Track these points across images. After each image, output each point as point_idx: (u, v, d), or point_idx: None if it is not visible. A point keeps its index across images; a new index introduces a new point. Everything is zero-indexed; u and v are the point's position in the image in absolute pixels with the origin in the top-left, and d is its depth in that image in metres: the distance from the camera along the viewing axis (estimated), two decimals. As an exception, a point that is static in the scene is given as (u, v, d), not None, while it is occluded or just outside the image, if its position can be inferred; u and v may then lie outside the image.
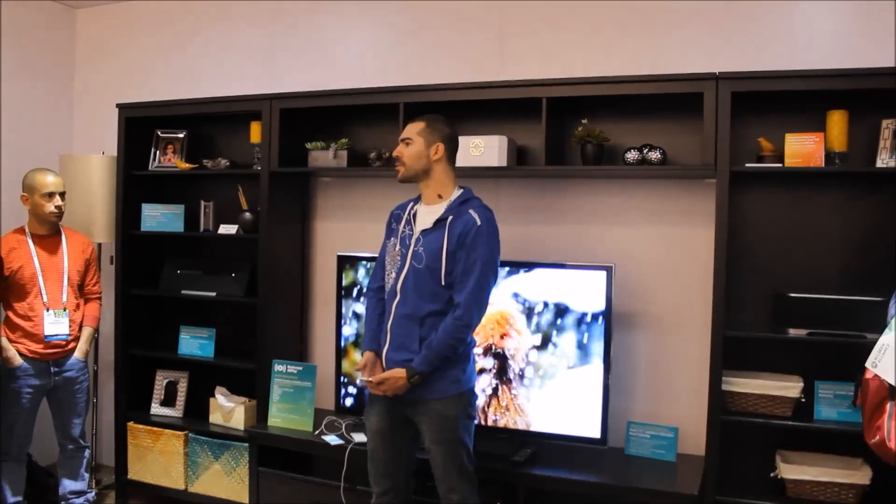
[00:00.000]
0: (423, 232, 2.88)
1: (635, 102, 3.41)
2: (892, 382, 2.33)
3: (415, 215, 2.95)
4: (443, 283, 2.82)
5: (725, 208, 3.06)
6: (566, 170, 3.53)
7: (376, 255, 3.56)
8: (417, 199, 3.02)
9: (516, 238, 3.63)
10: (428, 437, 2.86)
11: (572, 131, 3.44)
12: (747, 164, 3.14)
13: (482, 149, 3.38)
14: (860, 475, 2.95)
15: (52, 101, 4.77)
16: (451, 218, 2.85)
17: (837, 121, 3.05)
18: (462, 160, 3.39)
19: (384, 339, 2.91)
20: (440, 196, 2.93)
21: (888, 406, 2.35)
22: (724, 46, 3.36)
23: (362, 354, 2.98)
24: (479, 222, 2.82)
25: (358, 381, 3.13)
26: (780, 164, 3.09)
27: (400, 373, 2.79)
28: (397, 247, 2.93)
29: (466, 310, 2.78)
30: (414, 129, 2.93)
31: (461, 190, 2.96)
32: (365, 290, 3.10)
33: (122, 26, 4.75)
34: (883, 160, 2.98)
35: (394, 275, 2.91)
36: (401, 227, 2.96)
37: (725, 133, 3.04)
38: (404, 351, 2.83)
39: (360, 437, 3.47)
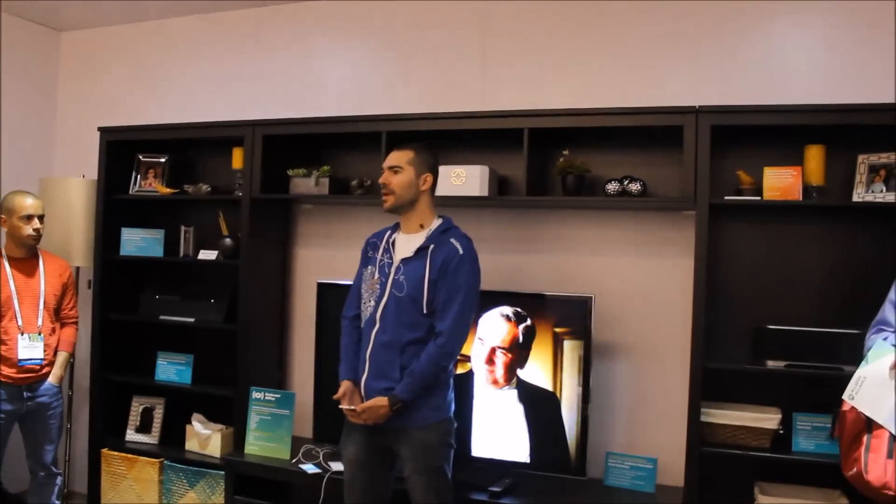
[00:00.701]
0: (404, 260, 2.87)
1: (616, 134, 3.44)
2: (869, 415, 2.34)
3: (393, 244, 2.95)
4: (424, 311, 2.82)
5: (705, 240, 3.08)
6: (547, 200, 3.55)
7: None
8: (395, 228, 3.01)
9: (497, 268, 3.64)
10: (409, 467, 2.84)
11: (554, 162, 3.46)
12: (726, 197, 3.17)
13: (463, 178, 3.39)
14: (838, 508, 2.96)
15: (34, 123, 4.75)
16: (432, 247, 2.86)
17: (815, 155, 3.09)
18: (443, 189, 3.41)
19: (362, 367, 2.89)
20: (422, 226, 2.93)
21: (865, 438, 2.35)
22: (705, 80, 3.41)
23: (340, 383, 2.95)
24: (461, 251, 2.84)
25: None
26: (758, 198, 3.12)
27: (382, 401, 2.77)
28: (376, 275, 2.92)
29: (449, 338, 2.79)
30: (403, 158, 2.92)
31: (441, 219, 2.97)
32: (341, 318, 3.07)
33: (105, 50, 4.75)
34: (859, 194, 3.02)
35: (372, 303, 2.89)
36: (379, 256, 2.95)
37: (705, 166, 3.07)
38: (384, 379, 2.81)
39: (337, 466, 3.43)
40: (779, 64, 3.33)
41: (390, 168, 2.92)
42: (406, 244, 2.92)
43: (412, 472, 2.83)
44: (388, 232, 3.01)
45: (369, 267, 2.97)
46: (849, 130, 3.08)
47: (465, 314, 2.84)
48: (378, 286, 2.89)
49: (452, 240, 2.87)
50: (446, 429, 2.89)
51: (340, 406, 2.86)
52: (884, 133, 3.02)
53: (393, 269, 2.88)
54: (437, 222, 2.95)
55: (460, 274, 2.81)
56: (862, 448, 2.35)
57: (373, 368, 2.85)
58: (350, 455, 2.93)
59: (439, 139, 3.59)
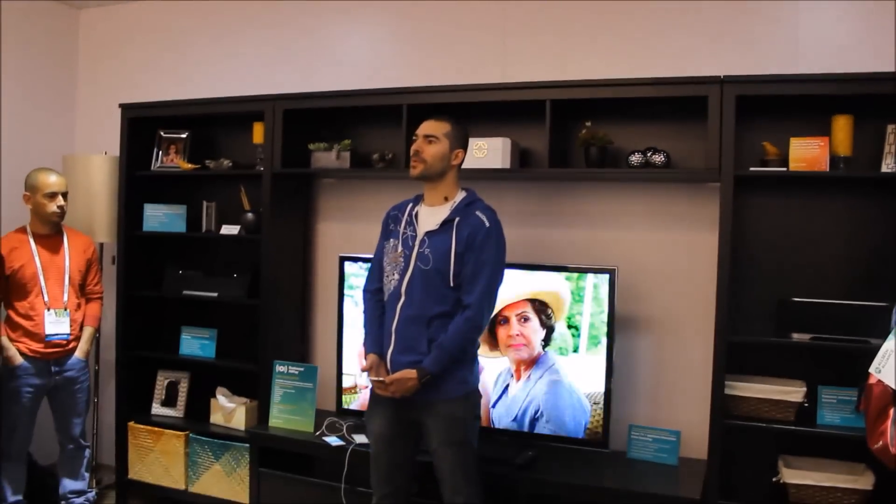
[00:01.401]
0: (429, 233, 2.86)
1: (639, 105, 3.41)
2: (896, 388, 2.33)
3: (416, 216, 2.93)
4: (451, 284, 2.81)
5: (729, 213, 3.05)
6: (569, 172, 3.52)
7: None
8: (417, 200, 3.00)
9: (519, 240, 3.62)
10: (435, 440, 2.85)
11: (576, 134, 3.43)
12: (751, 169, 3.13)
13: (485, 151, 3.38)
14: (863, 480, 2.94)
15: (55, 101, 4.77)
16: (457, 219, 2.85)
17: (842, 125, 3.04)
18: (465, 162, 3.39)
19: (388, 341, 2.89)
20: (446, 198, 2.92)
21: (891, 411, 2.34)
22: (729, 50, 3.36)
23: (366, 356, 2.96)
24: (487, 224, 2.84)
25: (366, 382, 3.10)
26: (784, 169, 3.08)
27: (410, 373, 2.77)
28: (399, 248, 2.90)
29: (478, 311, 2.80)
30: (441, 129, 2.89)
31: (465, 192, 2.96)
32: (362, 291, 3.07)
33: (125, 27, 4.74)
34: (888, 165, 2.98)
35: (396, 276, 2.88)
36: (401, 229, 2.93)
37: (730, 137, 3.03)
38: (411, 353, 2.81)
39: (360, 439, 3.46)
40: (805, 33, 3.27)
41: (426, 136, 2.88)
42: (430, 217, 2.90)
43: (439, 445, 2.84)
44: (410, 204, 2.99)
45: (391, 240, 2.96)
46: (877, 100, 3.02)
47: (493, 287, 2.84)
48: (402, 259, 2.88)
49: (478, 212, 2.87)
50: (473, 401, 2.91)
51: (369, 378, 2.87)
52: (914, 102, 2.97)
53: (417, 242, 2.87)
54: (461, 195, 2.94)
55: (487, 247, 2.81)
56: (889, 421, 2.34)
57: (399, 342, 2.85)
58: (376, 429, 2.94)
59: (460, 111, 3.57)
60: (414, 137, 2.93)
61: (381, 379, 2.82)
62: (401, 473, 2.98)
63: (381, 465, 2.95)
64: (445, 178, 2.92)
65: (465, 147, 2.96)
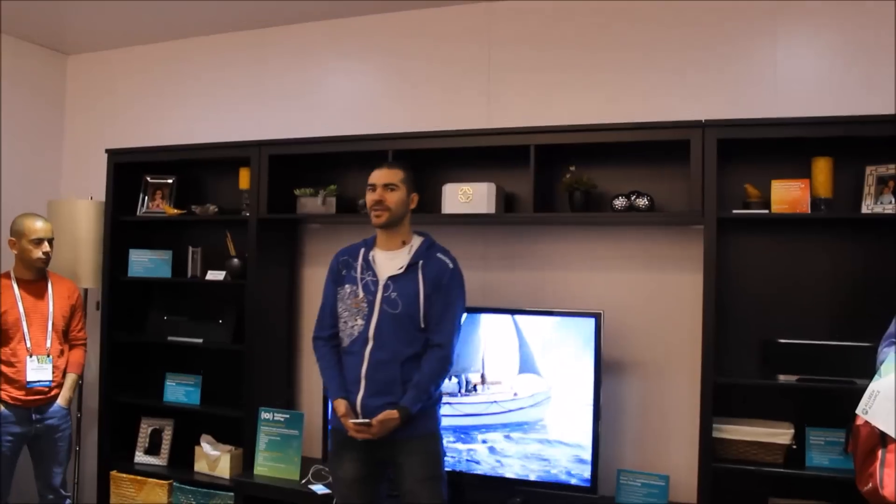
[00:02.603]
0: (392, 278, 2.89)
1: (623, 149, 3.44)
2: (883, 429, 2.32)
3: (372, 261, 2.95)
4: (422, 326, 2.86)
5: (713, 254, 3.07)
6: (554, 217, 3.54)
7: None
8: (367, 245, 3.02)
9: (504, 285, 3.64)
10: (410, 478, 2.85)
11: (560, 178, 3.46)
12: (734, 211, 3.16)
13: (470, 195, 3.40)
14: (853, 524, 2.93)
15: (41, 145, 4.77)
16: (421, 262, 2.90)
17: (822, 167, 3.08)
18: (450, 207, 3.43)
19: (354, 386, 2.87)
20: (403, 242, 2.97)
21: (880, 453, 2.33)
22: (710, 94, 3.41)
23: (333, 403, 2.92)
24: (451, 265, 2.94)
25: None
26: (766, 211, 3.11)
27: (393, 414, 2.78)
28: (360, 294, 2.91)
29: (449, 349, 2.88)
30: (397, 177, 2.95)
31: (421, 236, 3.01)
32: (313, 339, 3.05)
33: (112, 73, 4.78)
34: (868, 206, 3.01)
35: (360, 321, 2.88)
36: (358, 274, 2.94)
37: (712, 180, 3.07)
38: (384, 395, 2.82)
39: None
40: (785, 77, 3.33)
41: (385, 185, 2.93)
42: (389, 261, 2.94)
43: (414, 482, 2.84)
44: (362, 249, 3.01)
45: (347, 285, 2.96)
46: (856, 142, 3.07)
47: (459, 325, 2.94)
48: (365, 304, 2.89)
49: (439, 255, 2.95)
50: (440, 436, 2.97)
51: (348, 423, 2.83)
52: (892, 144, 3.01)
53: (381, 287, 2.89)
54: (417, 239, 3.00)
55: (453, 287, 2.91)
56: (877, 463, 2.32)
57: (370, 386, 2.84)
58: (348, 473, 2.92)
59: (446, 156, 3.60)
60: (370, 187, 2.96)
61: (366, 421, 2.80)
62: None
63: None
64: (403, 224, 2.99)
65: (418, 191, 3.04)
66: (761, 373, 3.15)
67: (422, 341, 2.87)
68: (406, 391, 2.82)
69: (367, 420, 2.80)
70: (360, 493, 2.92)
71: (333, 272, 3.04)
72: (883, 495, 2.28)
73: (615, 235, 3.56)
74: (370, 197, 2.95)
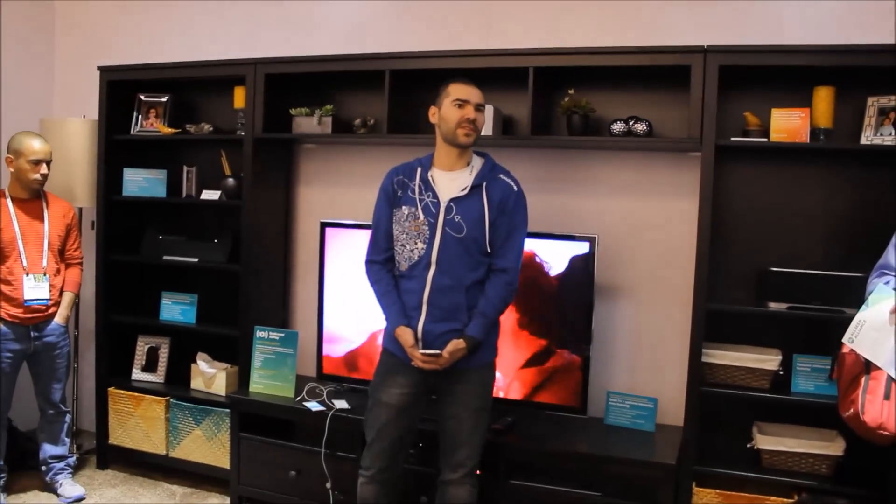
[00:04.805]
0: (455, 200, 2.80)
1: (623, 74, 3.40)
2: (868, 357, 2.36)
3: (431, 181, 2.85)
4: (487, 250, 2.80)
5: (710, 182, 3.06)
6: (552, 140, 3.52)
7: (360, 223, 3.57)
8: (424, 164, 2.89)
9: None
10: (462, 405, 2.82)
11: (559, 101, 3.43)
12: (733, 139, 3.14)
13: (468, 118, 3.36)
14: (834, 447, 3.01)
15: (32, 63, 4.68)
16: (485, 184, 2.81)
17: (824, 97, 3.05)
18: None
19: (416, 311, 2.80)
20: (467, 162, 2.87)
21: (863, 380, 2.38)
22: (713, 20, 3.35)
23: (394, 330, 2.82)
24: (515, 188, 2.85)
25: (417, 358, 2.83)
26: (765, 140, 3.09)
27: (460, 344, 2.74)
28: (420, 216, 2.79)
29: (515, 275, 2.81)
30: (483, 98, 2.85)
31: (482, 156, 2.92)
32: (365, 263, 2.93)
33: (103, -13, 4.66)
34: (867, 137, 3.00)
35: (421, 245, 2.79)
36: (417, 195, 2.82)
37: (712, 107, 3.04)
38: (448, 322, 2.77)
39: (341, 404, 3.49)
40: (788, 4, 3.26)
41: (477, 106, 2.82)
42: (451, 182, 2.83)
43: (465, 410, 2.82)
44: (418, 168, 2.88)
45: (405, 207, 2.83)
46: (859, 72, 3.03)
47: (522, 250, 2.86)
48: (426, 227, 2.78)
49: (502, 176, 2.86)
50: (494, 366, 2.96)
51: (421, 353, 2.75)
52: (894, 75, 2.97)
53: (443, 209, 2.79)
54: (478, 159, 2.90)
55: (518, 210, 2.83)
56: (860, 389, 2.37)
57: (433, 312, 2.78)
58: (392, 399, 2.86)
59: (443, 78, 3.55)
60: (459, 102, 2.79)
61: (437, 353, 2.74)
62: (403, 447, 2.96)
63: (388, 437, 2.88)
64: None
65: None
66: (752, 300, 3.18)
67: (485, 266, 2.80)
68: (471, 318, 2.77)
69: (437, 351, 2.74)
70: (399, 421, 2.87)
71: (388, 192, 2.89)
72: (863, 420, 2.34)
73: (612, 160, 3.54)
74: (461, 113, 2.78)
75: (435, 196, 2.81)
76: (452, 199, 2.79)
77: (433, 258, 2.77)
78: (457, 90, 2.82)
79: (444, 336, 2.76)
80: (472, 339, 2.75)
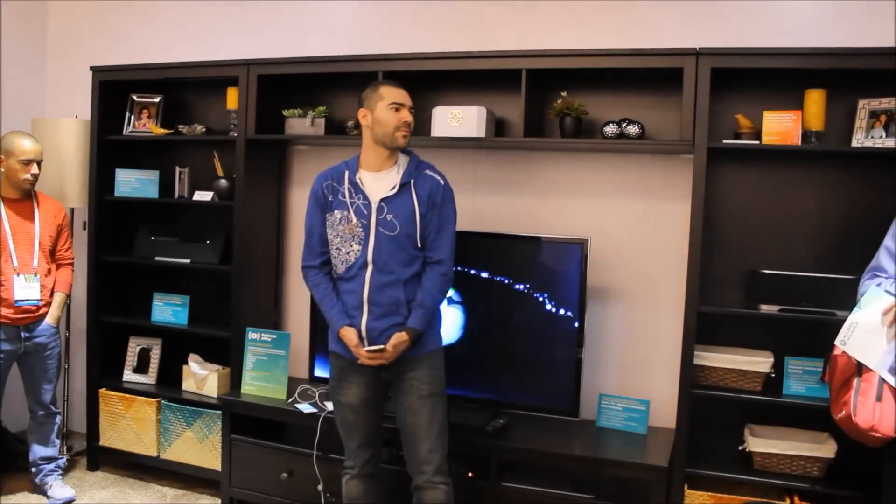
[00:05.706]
0: (385, 199, 2.85)
1: (615, 76, 3.40)
2: (860, 360, 2.37)
3: (360, 183, 2.90)
4: (419, 245, 2.86)
5: (702, 184, 3.07)
6: (544, 142, 3.52)
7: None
8: (350, 167, 2.94)
9: (492, 209, 3.64)
10: (415, 395, 2.87)
11: (551, 103, 3.43)
12: (725, 141, 3.15)
13: (460, 119, 3.37)
14: (825, 449, 3.01)
15: (25, 62, 4.66)
16: (412, 181, 2.88)
17: (815, 99, 3.06)
18: (440, 130, 3.41)
19: (358, 311, 2.86)
20: (395, 162, 2.93)
21: (854, 382, 2.38)
22: (705, 22, 3.36)
23: (338, 332, 2.87)
24: (442, 182, 2.92)
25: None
26: (757, 142, 3.10)
27: (403, 336, 2.81)
28: (353, 219, 2.85)
29: (449, 265, 2.90)
30: (411, 100, 2.92)
31: (406, 154, 2.97)
32: (303, 269, 2.99)
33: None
34: (858, 140, 3.01)
35: (356, 246, 2.85)
36: (347, 199, 2.88)
37: (704, 109, 3.04)
38: (391, 317, 2.83)
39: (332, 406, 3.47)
40: (780, 6, 3.27)
41: (410, 108, 2.90)
42: (379, 182, 2.89)
43: (418, 400, 2.87)
44: (345, 171, 2.93)
45: (336, 211, 2.89)
46: (850, 75, 3.04)
47: (454, 241, 2.94)
48: (360, 228, 2.84)
49: (428, 171, 2.93)
50: (443, 353, 3.00)
51: (365, 350, 2.81)
52: (885, 78, 2.98)
53: (374, 210, 2.85)
54: (404, 158, 2.95)
55: (447, 203, 2.91)
56: (851, 391, 2.38)
57: (374, 309, 2.83)
58: (353, 398, 2.93)
59: (436, 79, 3.55)
60: (396, 105, 2.84)
61: (381, 347, 2.80)
62: (377, 438, 3.02)
63: (360, 432, 2.96)
64: None
65: None
66: (744, 302, 3.19)
67: (420, 259, 2.88)
68: (411, 311, 2.84)
69: (381, 346, 2.80)
70: (367, 416, 2.95)
71: (318, 198, 2.95)
72: (855, 422, 2.34)
73: (605, 163, 3.55)
74: (400, 116, 2.85)
75: (365, 198, 2.87)
76: (383, 199, 2.86)
77: (369, 258, 2.84)
78: (391, 93, 2.88)
79: (388, 331, 2.82)
80: (413, 330, 2.82)
